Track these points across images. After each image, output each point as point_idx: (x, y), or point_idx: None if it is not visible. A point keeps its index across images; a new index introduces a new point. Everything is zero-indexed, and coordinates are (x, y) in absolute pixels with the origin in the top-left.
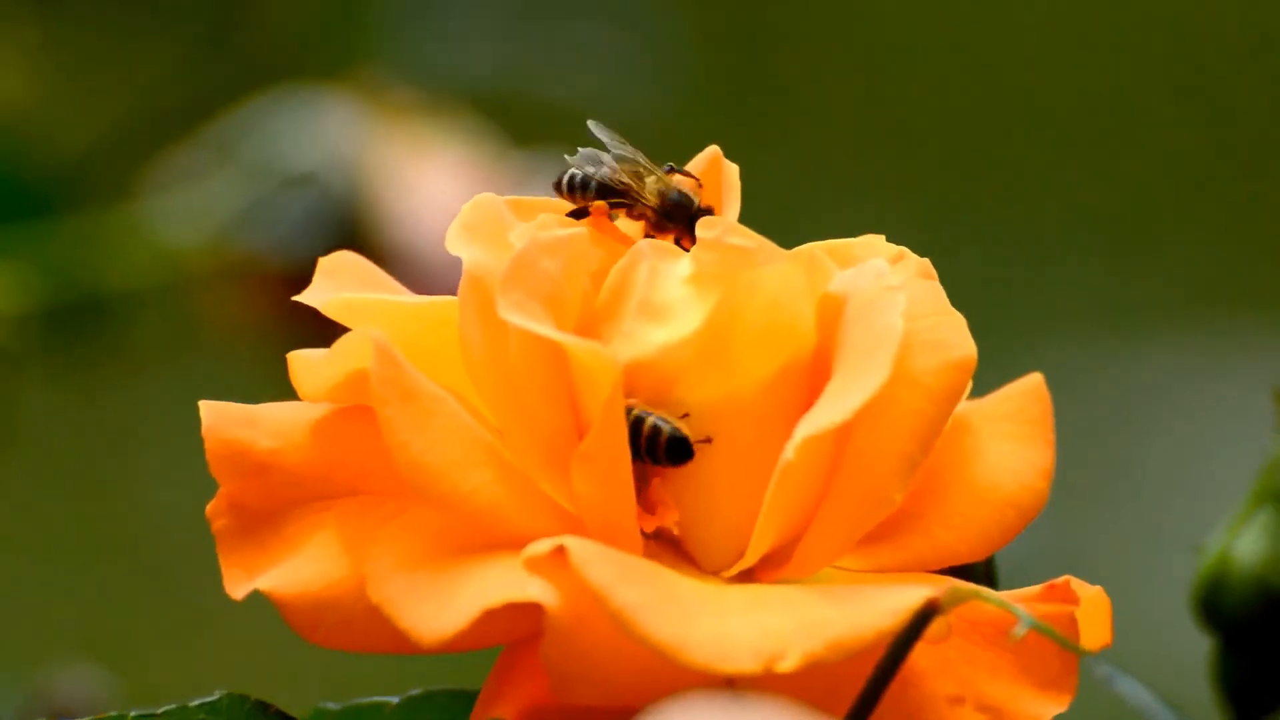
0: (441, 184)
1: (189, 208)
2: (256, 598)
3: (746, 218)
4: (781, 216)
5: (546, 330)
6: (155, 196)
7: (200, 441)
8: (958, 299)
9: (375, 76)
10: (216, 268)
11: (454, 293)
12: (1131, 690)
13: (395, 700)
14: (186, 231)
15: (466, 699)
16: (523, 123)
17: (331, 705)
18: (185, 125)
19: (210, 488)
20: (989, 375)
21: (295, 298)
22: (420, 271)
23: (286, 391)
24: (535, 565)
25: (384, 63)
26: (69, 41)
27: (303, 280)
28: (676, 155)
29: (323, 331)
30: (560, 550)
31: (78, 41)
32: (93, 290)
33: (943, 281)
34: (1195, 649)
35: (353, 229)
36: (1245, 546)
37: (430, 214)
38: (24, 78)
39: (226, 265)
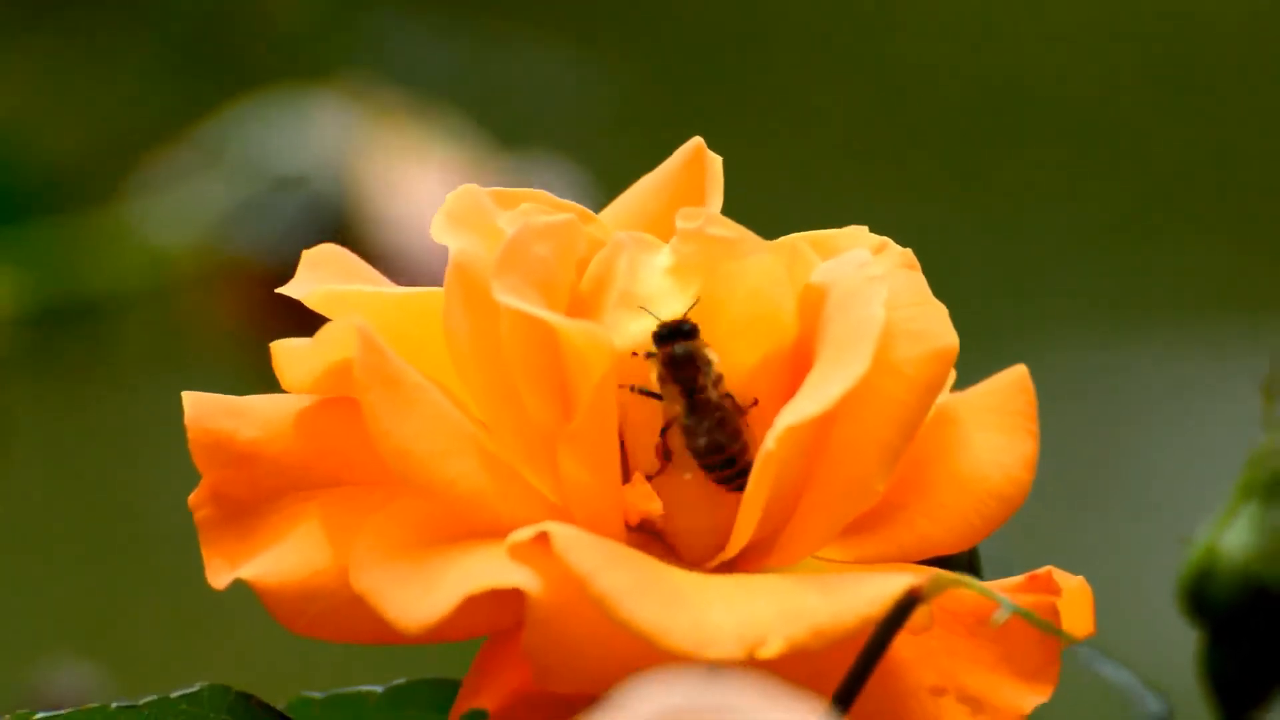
0: (429, 185)
1: (178, 210)
2: (250, 595)
3: (738, 219)
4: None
5: (542, 312)
6: (144, 199)
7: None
8: (958, 300)
9: (362, 79)
10: (205, 270)
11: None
12: (1112, 671)
13: (379, 689)
14: (175, 234)
15: (451, 688)
16: (508, 124)
17: (315, 694)
18: (173, 128)
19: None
20: (987, 375)
21: (279, 289)
22: (408, 271)
23: (274, 392)
24: (518, 552)
25: (371, 65)
26: (58, 45)
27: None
28: (668, 146)
29: (310, 331)
30: (543, 536)
31: (67, 45)
32: (82, 292)
33: (942, 283)
34: (1186, 642)
35: (341, 230)
36: (1232, 539)
37: (418, 215)
38: (12, 80)
39: (215, 267)
